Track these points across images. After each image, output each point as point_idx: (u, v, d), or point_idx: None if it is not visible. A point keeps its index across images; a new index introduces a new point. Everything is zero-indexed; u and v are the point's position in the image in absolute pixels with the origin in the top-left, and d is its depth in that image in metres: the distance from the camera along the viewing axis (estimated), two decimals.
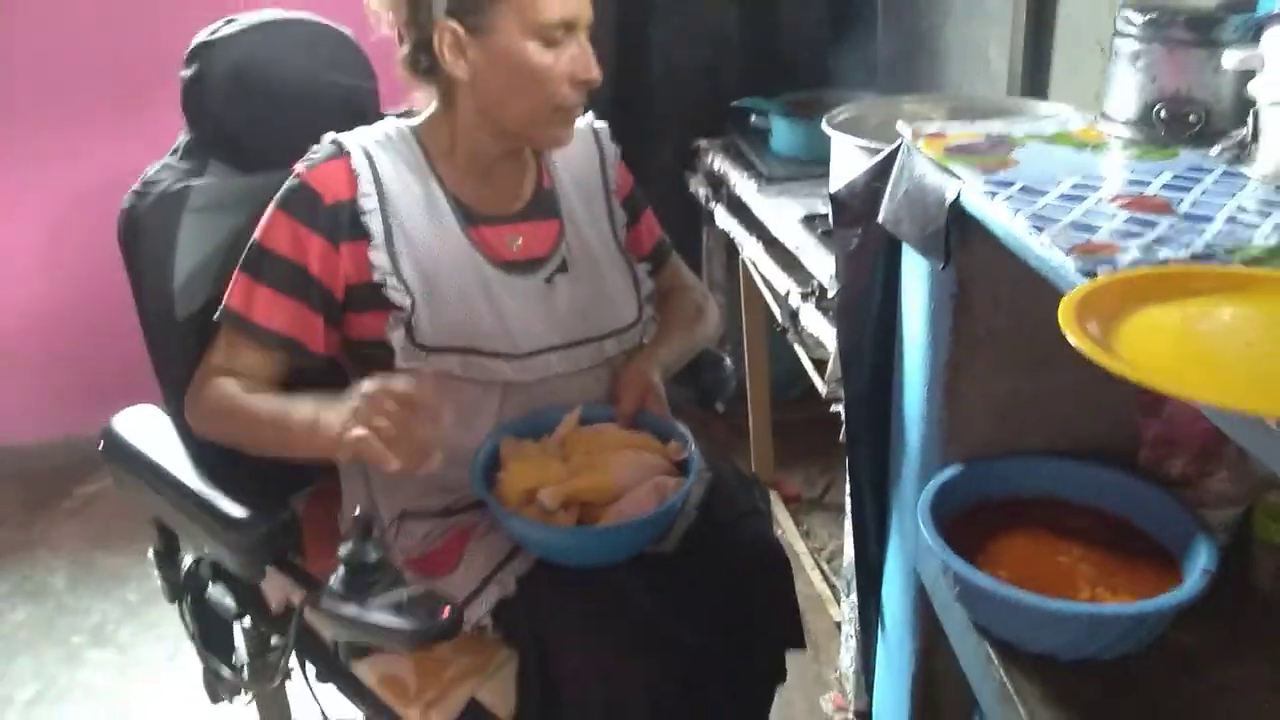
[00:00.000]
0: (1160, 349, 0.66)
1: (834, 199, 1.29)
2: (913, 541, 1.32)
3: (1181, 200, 0.92)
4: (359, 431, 1.00)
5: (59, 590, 2.22)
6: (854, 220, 1.28)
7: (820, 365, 1.54)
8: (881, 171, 1.20)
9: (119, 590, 2.18)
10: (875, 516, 1.48)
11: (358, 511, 1.02)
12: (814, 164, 1.85)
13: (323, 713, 1.23)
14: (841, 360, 1.40)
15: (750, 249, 1.87)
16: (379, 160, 1.22)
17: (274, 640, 1.29)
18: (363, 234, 1.19)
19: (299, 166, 1.22)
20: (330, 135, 1.25)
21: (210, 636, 1.38)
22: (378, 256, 1.19)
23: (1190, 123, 1.05)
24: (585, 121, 1.37)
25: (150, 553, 1.37)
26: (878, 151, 1.22)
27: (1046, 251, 0.83)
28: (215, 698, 1.42)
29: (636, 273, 1.35)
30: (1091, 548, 1.13)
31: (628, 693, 1.09)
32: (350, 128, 1.28)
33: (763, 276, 1.84)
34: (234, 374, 1.21)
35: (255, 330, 1.20)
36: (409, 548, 1.22)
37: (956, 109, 1.48)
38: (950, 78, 2.02)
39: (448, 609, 0.96)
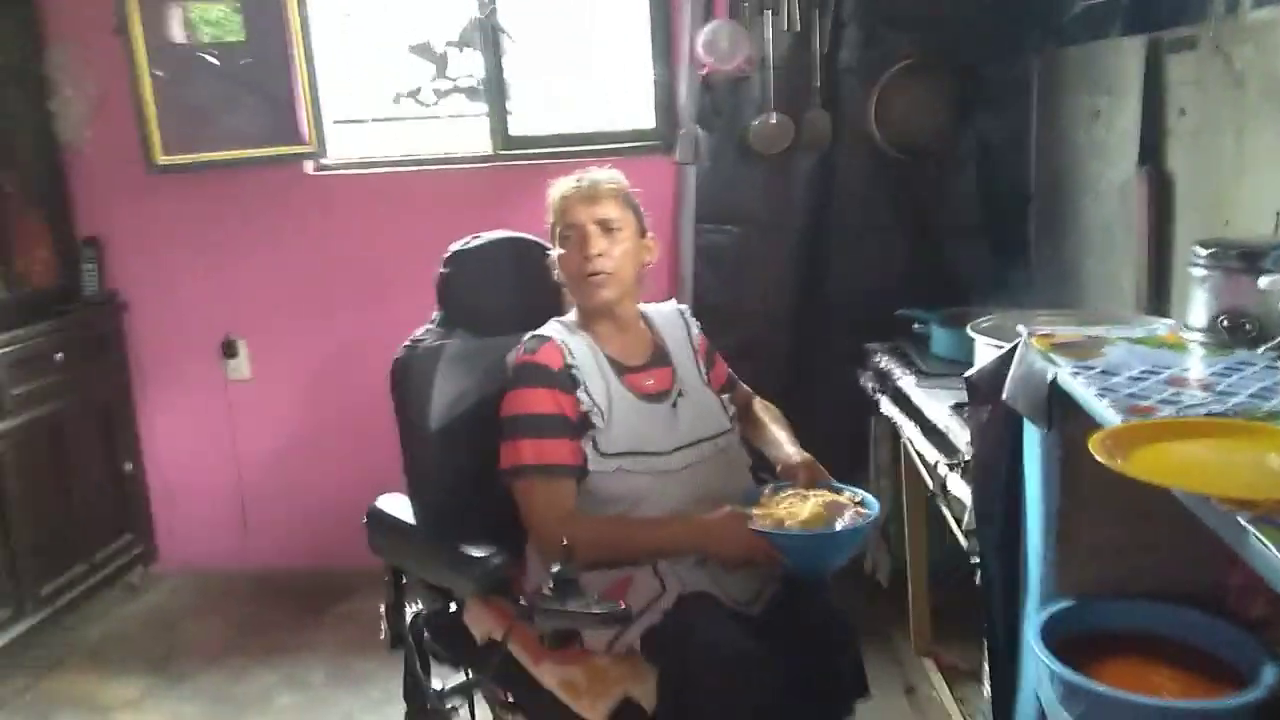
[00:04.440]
0: (1156, 465, 0.98)
1: (968, 381, 1.64)
2: (1033, 668, 1.57)
3: (1221, 382, 1.23)
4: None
5: (317, 684, 2.69)
6: (984, 399, 1.62)
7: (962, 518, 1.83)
8: (1005, 361, 1.55)
9: (366, 688, 2.63)
10: (1008, 655, 1.73)
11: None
12: (966, 365, 2.20)
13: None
14: (976, 515, 1.71)
15: (909, 432, 2.21)
16: (567, 339, 1.79)
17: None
18: (574, 385, 1.74)
19: (523, 355, 1.78)
20: (531, 333, 1.83)
21: (412, 685, 1.87)
22: (584, 397, 1.74)
23: (1246, 330, 1.37)
24: (675, 307, 2.01)
25: (382, 607, 1.90)
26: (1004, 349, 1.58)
27: (1105, 411, 1.16)
28: None
29: (722, 399, 1.92)
30: (1178, 673, 1.36)
31: (738, 699, 1.50)
32: (544, 313, 1.89)
33: (919, 454, 2.17)
34: (561, 508, 1.70)
35: (558, 470, 1.71)
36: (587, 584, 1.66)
37: (1081, 320, 1.82)
38: (1089, 299, 2.35)
39: (624, 603, 1.46)
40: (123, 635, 3.02)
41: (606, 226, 1.79)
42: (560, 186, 1.85)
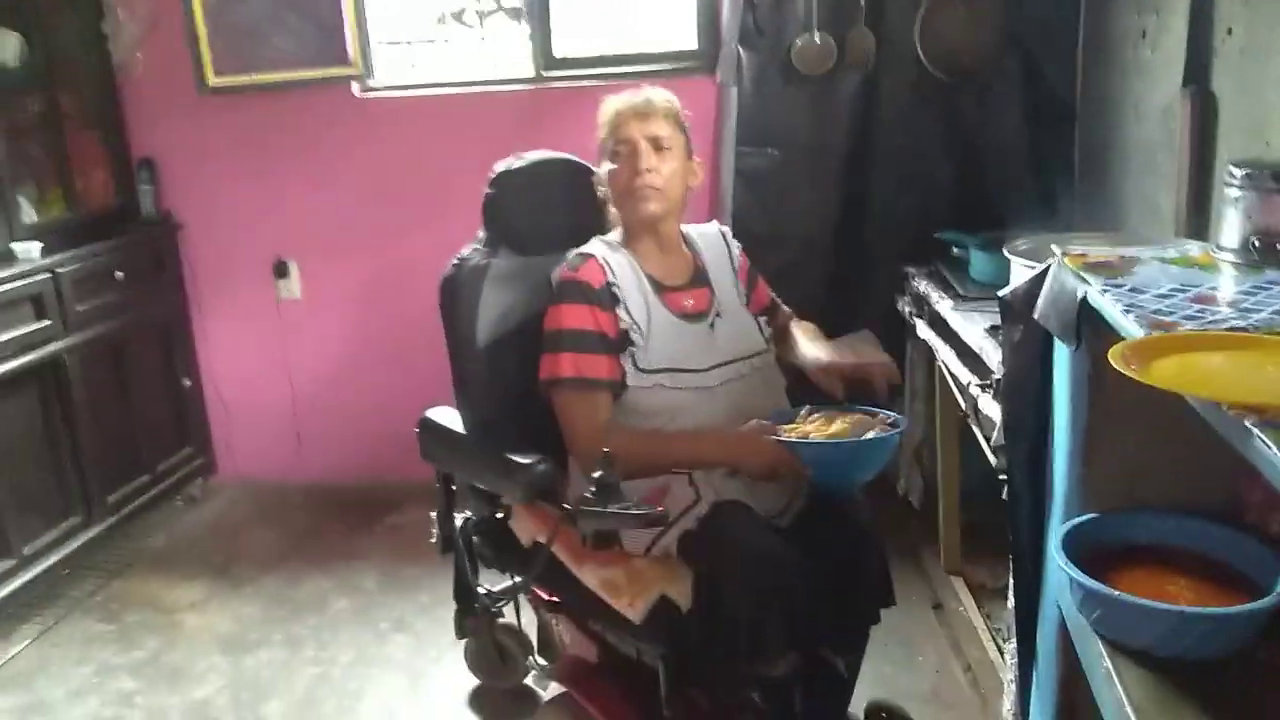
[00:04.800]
0: (1172, 375, 1.02)
1: (1001, 301, 1.67)
2: (1055, 579, 1.62)
3: (1247, 300, 1.25)
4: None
5: (370, 589, 2.83)
6: (1017, 318, 1.65)
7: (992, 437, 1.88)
8: (1039, 281, 1.57)
9: (415, 593, 2.77)
10: (1032, 568, 1.78)
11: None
12: (1004, 288, 2.22)
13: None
14: (1005, 432, 1.75)
15: (944, 354, 2.24)
16: (609, 257, 1.85)
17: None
18: (614, 302, 1.80)
19: (566, 271, 1.84)
20: (574, 250, 1.88)
21: (461, 587, 2.02)
22: (624, 315, 1.81)
23: (1278, 250, 1.38)
24: (717, 229, 2.05)
25: (433, 514, 2.00)
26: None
27: (1129, 325, 1.19)
28: (461, 633, 2.09)
29: (759, 321, 1.98)
30: (1196, 583, 1.41)
31: (769, 599, 1.59)
32: (587, 233, 1.93)
33: (953, 376, 2.20)
34: (596, 420, 1.77)
35: (596, 384, 1.79)
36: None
37: (1117, 242, 1.83)
38: (1129, 222, 2.35)
39: (661, 507, 1.56)
40: (185, 542, 3.19)
41: (657, 144, 1.83)
42: (615, 102, 1.89)
